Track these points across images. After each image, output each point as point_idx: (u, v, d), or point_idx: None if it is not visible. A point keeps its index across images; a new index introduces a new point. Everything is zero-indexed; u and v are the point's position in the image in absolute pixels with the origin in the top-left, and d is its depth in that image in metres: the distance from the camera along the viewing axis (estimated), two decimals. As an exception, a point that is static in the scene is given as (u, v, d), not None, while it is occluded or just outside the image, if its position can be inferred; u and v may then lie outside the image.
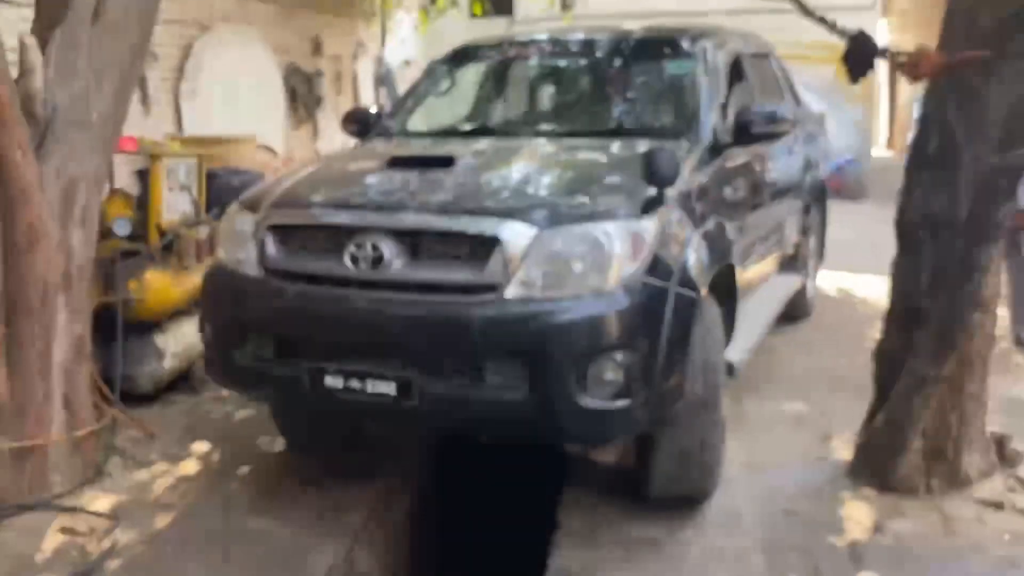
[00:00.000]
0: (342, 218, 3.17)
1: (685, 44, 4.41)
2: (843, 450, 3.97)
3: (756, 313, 4.76)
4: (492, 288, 2.95)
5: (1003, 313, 5.63)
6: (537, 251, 2.95)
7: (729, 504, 3.58)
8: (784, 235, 5.30)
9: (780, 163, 5.00)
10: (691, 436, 3.28)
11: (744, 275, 4.20)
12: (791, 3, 3.32)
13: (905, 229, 3.28)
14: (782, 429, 4.41)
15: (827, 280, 7.27)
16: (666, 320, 3.04)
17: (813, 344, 5.71)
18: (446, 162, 3.48)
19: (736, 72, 4.77)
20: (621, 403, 2.97)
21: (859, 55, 3.14)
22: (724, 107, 4.20)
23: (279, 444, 4.16)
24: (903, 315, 3.36)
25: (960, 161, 3.04)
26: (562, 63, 4.77)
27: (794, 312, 6.02)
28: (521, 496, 4.08)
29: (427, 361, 3.01)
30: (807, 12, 3.26)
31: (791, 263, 5.84)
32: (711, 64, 4.28)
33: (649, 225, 3.08)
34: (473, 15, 13.67)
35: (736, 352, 4.13)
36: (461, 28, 11.77)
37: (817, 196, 6.14)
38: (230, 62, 7.66)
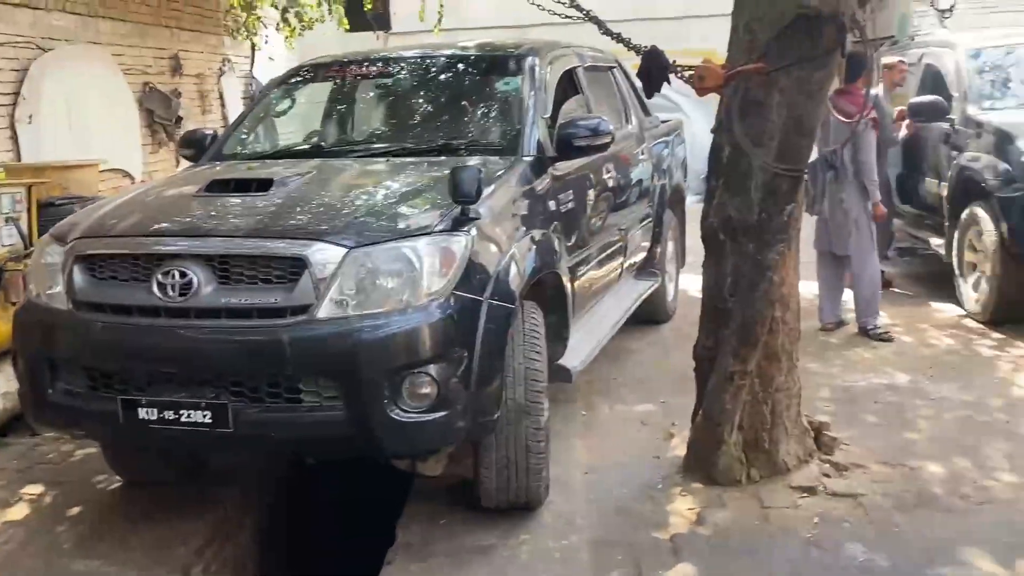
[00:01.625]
0: (148, 245, 3.14)
1: (512, 61, 4.52)
2: (681, 448, 4.11)
3: (599, 319, 4.90)
4: (303, 309, 2.98)
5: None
6: (347, 271, 2.99)
7: (566, 507, 3.68)
8: (631, 241, 5.47)
9: (621, 172, 5.16)
10: (515, 443, 3.36)
11: (578, 283, 4.32)
12: (591, 22, 3.46)
13: (708, 234, 3.45)
14: (628, 430, 4.54)
15: (693, 283, 7.49)
16: (480, 331, 3.12)
17: (669, 346, 5.88)
18: (264, 185, 3.49)
19: (569, 87, 4.92)
20: (438, 415, 3.03)
21: (653, 70, 3.30)
22: (552, 122, 4.32)
23: (115, 482, 4.07)
24: (713, 315, 3.53)
25: (750, 168, 3.22)
26: (393, 82, 4.83)
27: (654, 316, 6.21)
28: (369, 513, 4.09)
29: (241, 386, 3.00)
30: (605, 30, 3.40)
31: (646, 268, 6.03)
32: (538, 80, 4.40)
33: (459, 240, 3.15)
34: (347, 30, 13.59)
35: (573, 358, 4.25)
36: (334, 43, 11.69)
37: (672, 202, 6.34)
38: (76, 84, 7.41)
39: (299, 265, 2.99)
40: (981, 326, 5.96)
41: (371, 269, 3.01)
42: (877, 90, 7.04)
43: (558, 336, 4.04)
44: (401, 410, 2.97)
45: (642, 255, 5.86)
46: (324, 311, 2.96)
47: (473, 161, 3.75)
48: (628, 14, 15.13)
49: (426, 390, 3.00)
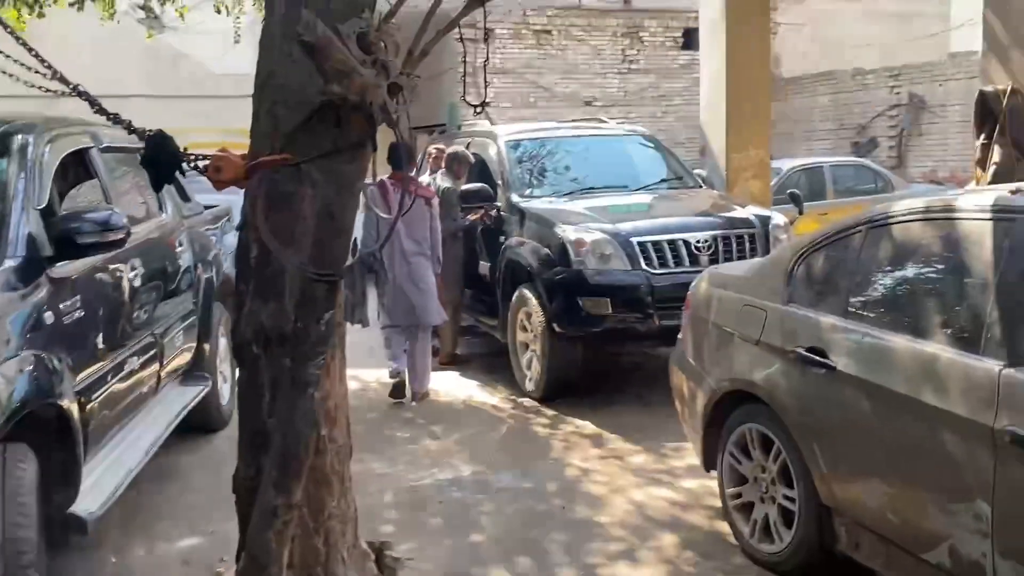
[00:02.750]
0: None
1: (-7, 138, 3.67)
2: (231, 588, 3.50)
3: (129, 444, 4.14)
4: None
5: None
6: None
7: None
8: (170, 344, 4.77)
9: (150, 267, 4.47)
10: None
11: (92, 408, 3.57)
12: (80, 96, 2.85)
13: (240, 346, 2.97)
14: (171, 573, 3.84)
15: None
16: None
17: (222, 458, 5.19)
18: None
19: (79, 171, 4.16)
20: None
21: (162, 158, 2.79)
22: (50, 214, 3.56)
23: None
24: (251, 439, 3.03)
25: (282, 271, 2.82)
26: None
27: (207, 423, 5.51)
28: None
29: None
30: (99, 107, 2.81)
31: (193, 371, 5.34)
32: (30, 162, 3.61)
33: None
34: None
35: (91, 502, 3.47)
36: None
37: (224, 293, 5.72)
38: None
39: None
40: (536, 404, 6.17)
41: None
42: (429, 178, 7.21)
43: (66, 480, 3.25)
44: None
45: (187, 357, 5.18)
46: None
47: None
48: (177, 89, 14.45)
49: None
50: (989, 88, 6.18)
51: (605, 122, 8.15)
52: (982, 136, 6.27)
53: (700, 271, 5.94)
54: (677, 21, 15.79)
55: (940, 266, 2.97)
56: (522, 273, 6.39)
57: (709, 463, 4.03)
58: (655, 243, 5.92)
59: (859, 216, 3.44)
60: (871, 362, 3.04)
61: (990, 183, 6.20)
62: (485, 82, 4.50)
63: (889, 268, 3.16)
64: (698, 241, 5.95)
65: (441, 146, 7.69)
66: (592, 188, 6.98)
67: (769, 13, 9.34)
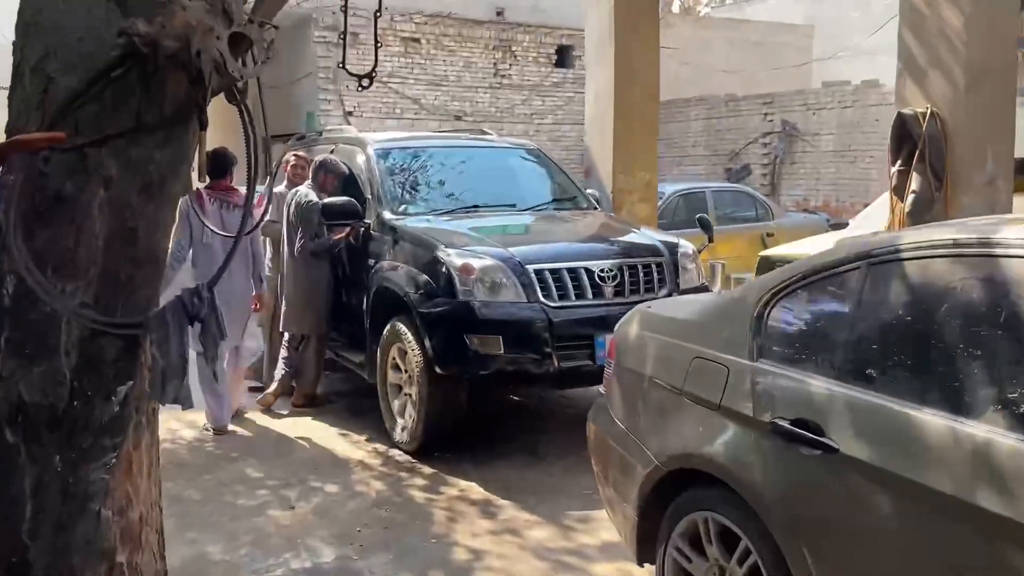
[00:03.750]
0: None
1: None
2: None
3: None
4: None
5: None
6: None
7: None
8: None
9: None
10: None
11: None
12: None
13: (-17, 432, 1.91)
14: None
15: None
16: None
17: None
18: None
19: None
20: None
21: None
22: None
23: None
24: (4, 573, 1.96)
25: (55, 319, 1.79)
26: None
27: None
28: None
29: None
30: None
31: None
32: None
33: None
34: None
35: None
36: None
37: None
38: None
39: None
40: (411, 459, 5.21)
41: None
42: (285, 190, 6.22)
43: None
44: None
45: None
46: None
47: None
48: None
49: None
50: (908, 111, 5.71)
51: (488, 133, 7.27)
52: (898, 163, 5.79)
53: (603, 304, 5.20)
54: (551, 37, 15.24)
55: (987, 318, 2.24)
56: (395, 303, 5.43)
57: (644, 555, 3.19)
58: (553, 271, 5.09)
59: (849, 249, 2.70)
60: (892, 446, 2.27)
61: (908, 213, 5.73)
62: (376, 44, 3.52)
63: (908, 318, 2.41)
64: (601, 270, 5.16)
65: (301, 153, 6.65)
66: (475, 206, 6.09)
67: (659, 27, 8.79)
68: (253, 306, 5.89)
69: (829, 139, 13.13)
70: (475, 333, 4.93)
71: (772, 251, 7.92)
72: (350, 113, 13.50)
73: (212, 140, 2.17)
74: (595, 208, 6.57)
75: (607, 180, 8.49)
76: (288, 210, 6.10)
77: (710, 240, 6.18)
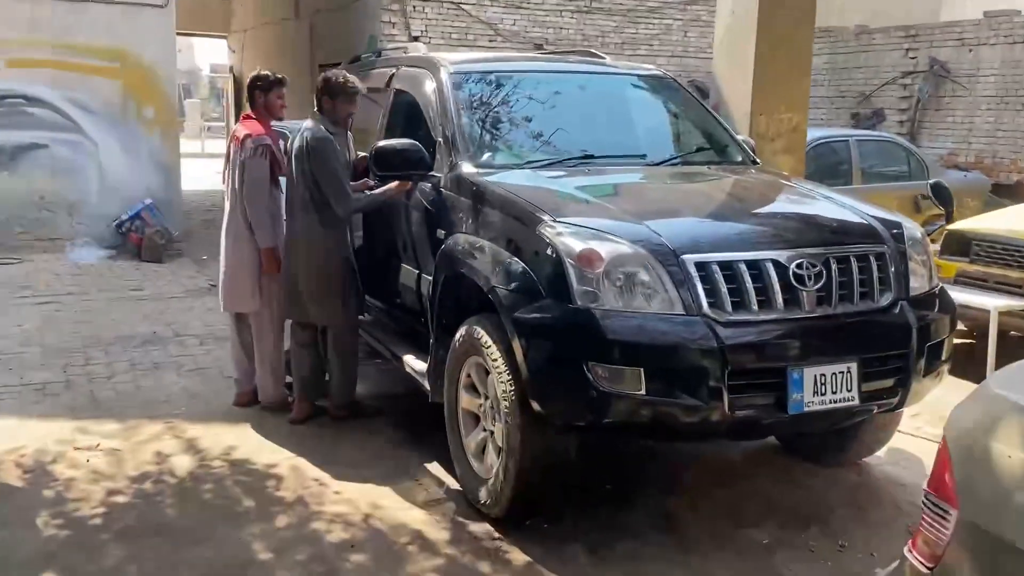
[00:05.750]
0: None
1: None
2: None
3: None
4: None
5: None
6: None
7: None
8: None
9: None
10: None
11: None
12: None
13: None
14: None
15: None
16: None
17: None
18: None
19: None
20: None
21: None
22: None
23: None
24: None
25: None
26: None
27: None
28: None
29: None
30: None
31: None
32: None
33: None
34: None
35: None
36: None
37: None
38: None
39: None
40: (493, 532, 3.51)
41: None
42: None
43: None
44: None
45: None
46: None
47: None
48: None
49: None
50: None
51: (602, 57, 5.34)
52: None
53: (801, 319, 3.38)
54: (649, -47, 13.11)
55: None
56: (474, 296, 3.69)
57: None
58: (723, 265, 3.25)
59: None
60: None
61: None
62: None
63: None
64: (798, 265, 3.31)
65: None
66: (590, 156, 4.26)
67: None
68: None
69: (989, 81, 10.87)
70: (600, 361, 3.14)
71: (964, 225, 5.94)
72: (416, 38, 11.65)
73: None
74: (754, 162, 4.67)
75: (742, 122, 6.59)
76: (290, 157, 4.46)
77: (948, 219, 4.23)
